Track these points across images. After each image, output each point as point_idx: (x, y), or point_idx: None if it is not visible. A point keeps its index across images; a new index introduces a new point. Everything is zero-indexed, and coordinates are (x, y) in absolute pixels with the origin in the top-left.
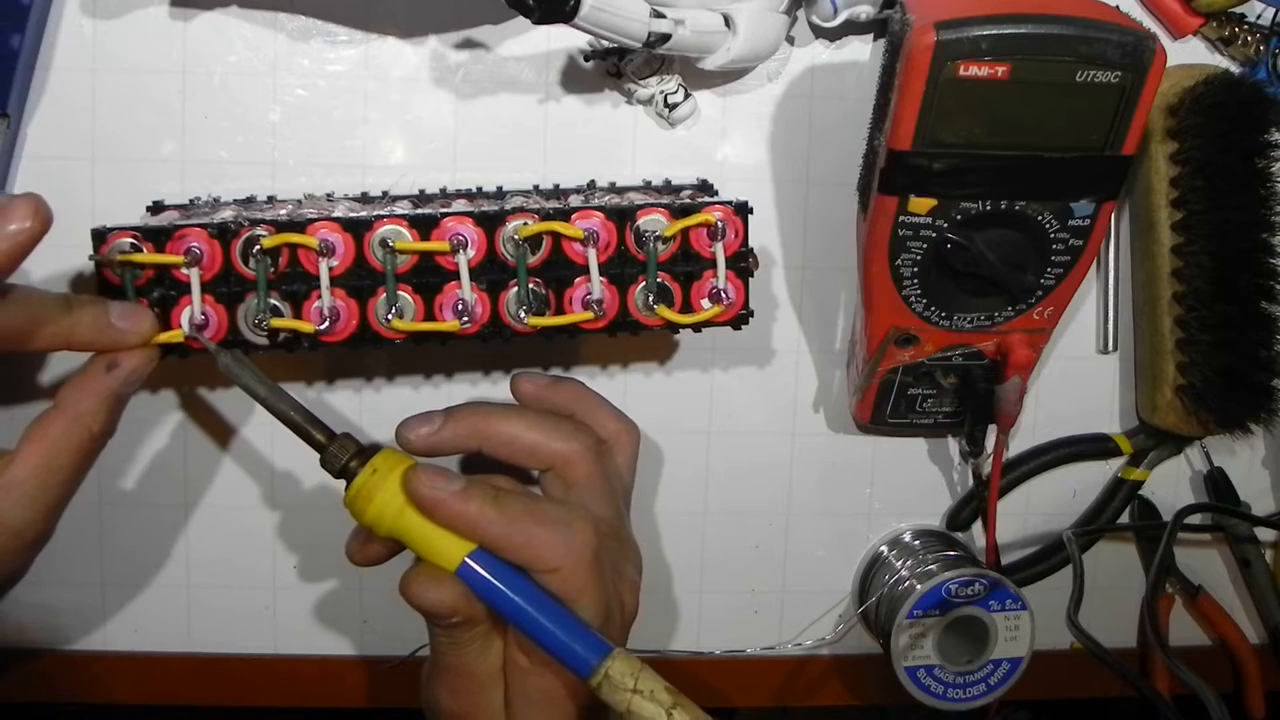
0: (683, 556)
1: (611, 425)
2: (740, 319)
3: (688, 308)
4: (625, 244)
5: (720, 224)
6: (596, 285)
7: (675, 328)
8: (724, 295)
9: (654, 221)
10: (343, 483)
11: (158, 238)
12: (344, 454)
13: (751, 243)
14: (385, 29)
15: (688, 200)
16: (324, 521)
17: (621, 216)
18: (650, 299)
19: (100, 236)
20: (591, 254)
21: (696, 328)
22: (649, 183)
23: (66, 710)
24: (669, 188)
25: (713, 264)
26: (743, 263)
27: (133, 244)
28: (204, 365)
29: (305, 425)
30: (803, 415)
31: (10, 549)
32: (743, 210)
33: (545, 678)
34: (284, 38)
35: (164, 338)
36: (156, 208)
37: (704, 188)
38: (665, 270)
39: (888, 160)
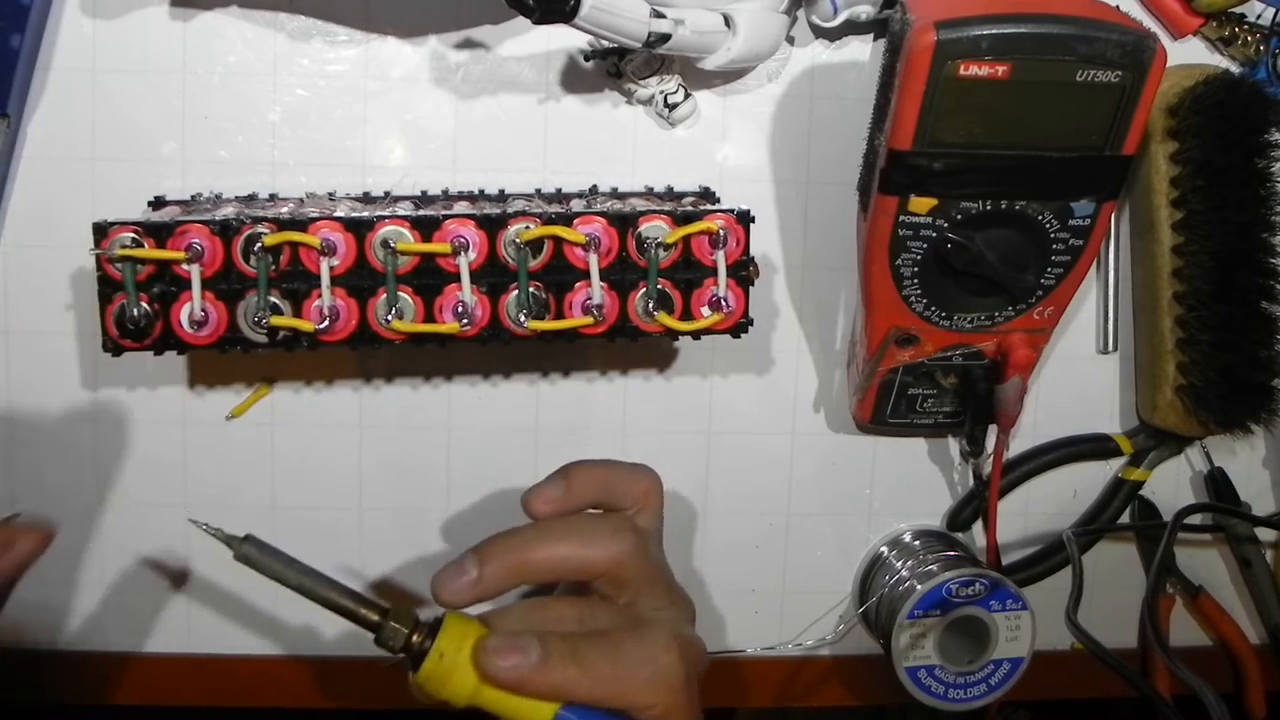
0: (683, 556)
1: (636, 488)
2: (740, 327)
3: (688, 314)
4: (626, 250)
5: (722, 232)
6: (597, 290)
7: (675, 334)
8: (724, 303)
9: (656, 228)
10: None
11: (159, 233)
12: (403, 628)
13: (752, 245)
14: (385, 29)
15: (690, 208)
16: (324, 522)
17: (623, 222)
18: (650, 305)
19: (101, 231)
20: (593, 259)
21: (696, 335)
22: (651, 189)
23: (66, 710)
24: (671, 194)
25: (713, 272)
26: (743, 271)
27: (134, 239)
28: (204, 363)
29: (354, 607)
30: (803, 415)
31: None
32: (744, 219)
33: None
34: (284, 38)
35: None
36: (158, 203)
37: (706, 195)
38: (666, 277)
39: (888, 160)
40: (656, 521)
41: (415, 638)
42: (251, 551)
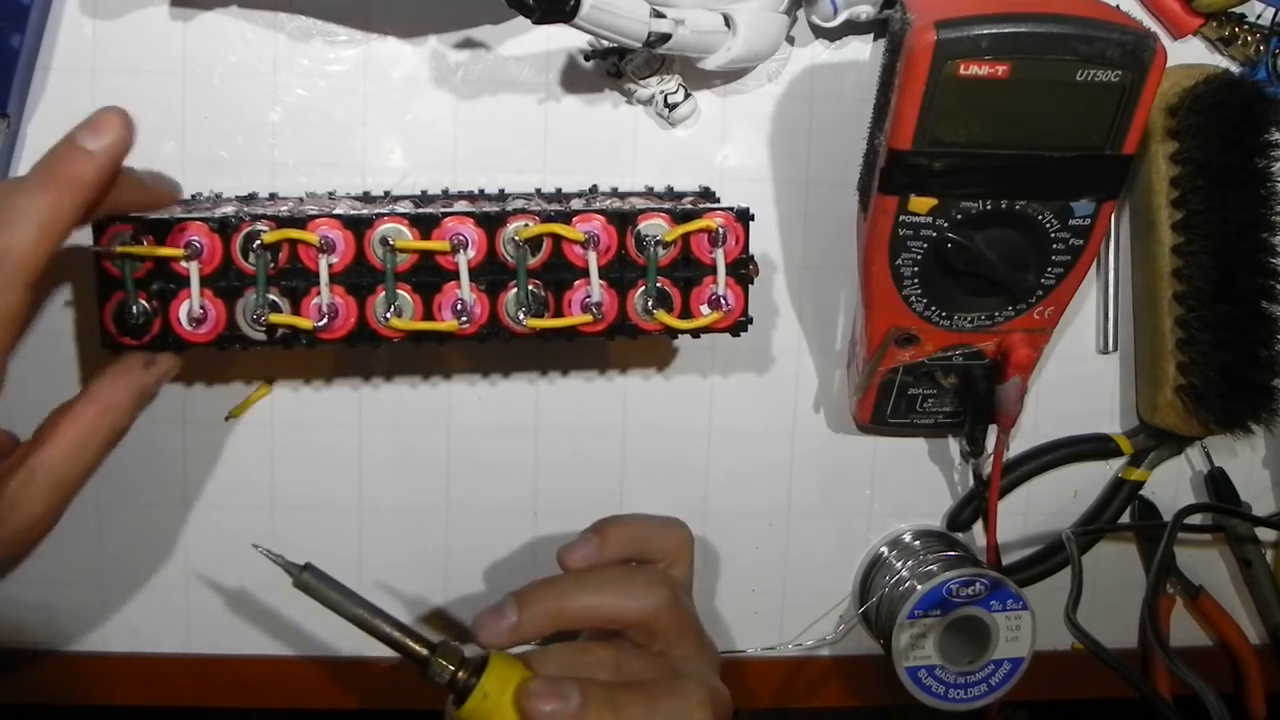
0: None
1: (668, 542)
2: (739, 326)
3: (687, 313)
4: (626, 248)
5: (721, 230)
6: (596, 288)
7: (674, 333)
8: (723, 301)
9: (655, 226)
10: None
11: (158, 230)
12: (450, 665)
13: (752, 245)
14: (385, 29)
15: (689, 206)
16: (323, 522)
17: (623, 220)
18: (649, 304)
19: (100, 228)
20: (592, 257)
21: (695, 333)
22: (651, 188)
23: (66, 710)
24: (671, 194)
25: (713, 270)
26: (743, 269)
27: (133, 236)
28: (203, 362)
29: (404, 640)
30: (803, 415)
31: (29, 537)
32: (744, 217)
33: None
34: (284, 38)
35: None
36: None
37: (706, 195)
38: (665, 275)
39: (888, 160)
40: (688, 573)
41: (461, 674)
42: (310, 580)
